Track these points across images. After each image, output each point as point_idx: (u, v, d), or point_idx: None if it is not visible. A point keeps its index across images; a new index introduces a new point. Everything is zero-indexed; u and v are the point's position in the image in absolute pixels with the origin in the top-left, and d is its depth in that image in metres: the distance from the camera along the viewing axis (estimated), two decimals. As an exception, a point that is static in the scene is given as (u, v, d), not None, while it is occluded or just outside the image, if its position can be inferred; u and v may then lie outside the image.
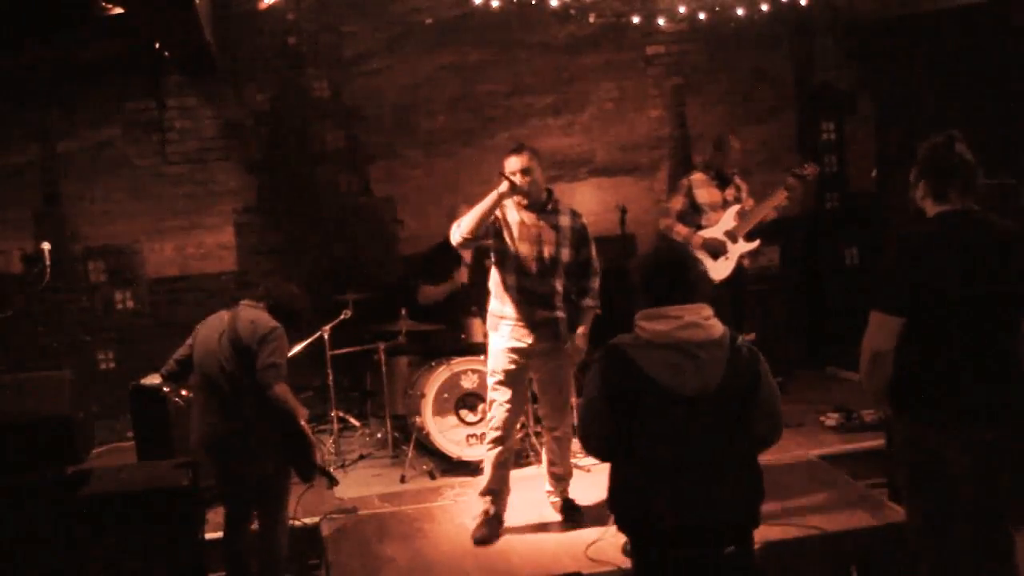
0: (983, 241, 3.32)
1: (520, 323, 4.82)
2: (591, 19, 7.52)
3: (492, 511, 4.94)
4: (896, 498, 4.79)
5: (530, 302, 4.81)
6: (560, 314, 4.88)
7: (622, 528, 3.21)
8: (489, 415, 4.98)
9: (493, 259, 4.88)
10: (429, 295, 6.63)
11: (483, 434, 5.86)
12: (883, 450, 5.39)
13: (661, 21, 7.48)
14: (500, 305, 4.89)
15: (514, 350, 4.84)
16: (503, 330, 4.87)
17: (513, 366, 4.85)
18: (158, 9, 5.45)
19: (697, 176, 6.42)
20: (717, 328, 3.06)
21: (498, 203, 4.71)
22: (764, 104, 7.94)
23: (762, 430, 3.07)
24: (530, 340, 4.82)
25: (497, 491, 4.95)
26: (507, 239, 4.81)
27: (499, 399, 4.91)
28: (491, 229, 4.79)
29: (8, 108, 6.99)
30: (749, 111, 7.90)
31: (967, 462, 3.30)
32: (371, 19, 7.37)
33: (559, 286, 4.87)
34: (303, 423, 4.45)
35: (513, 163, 4.74)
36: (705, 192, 6.35)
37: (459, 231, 4.75)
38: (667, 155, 7.88)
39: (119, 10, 6.01)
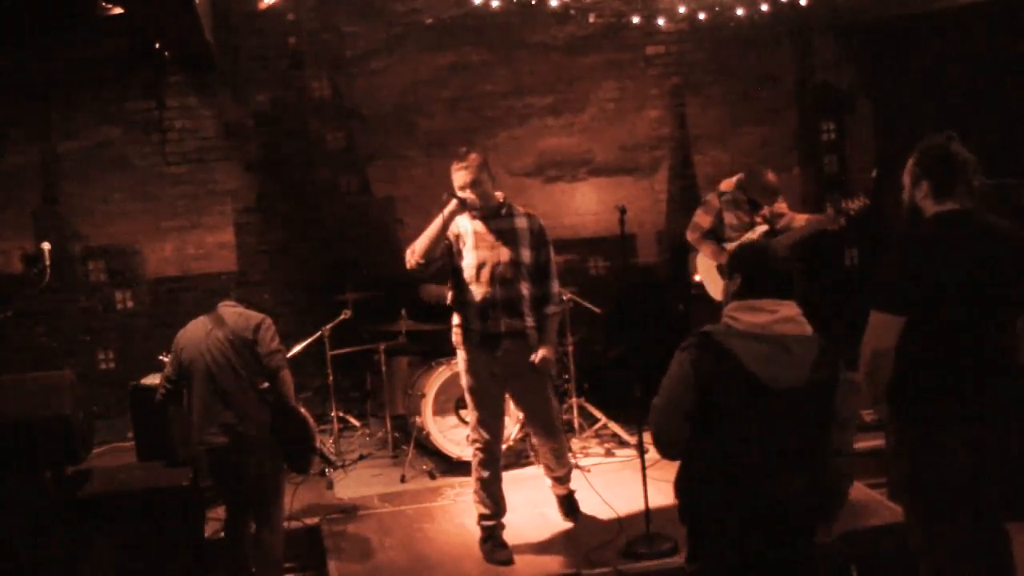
0: (982, 241, 3.32)
1: (488, 336, 4.61)
2: (591, 19, 7.52)
3: (499, 531, 4.76)
4: (896, 498, 4.79)
5: (496, 313, 4.58)
6: (529, 322, 4.65)
7: (687, 519, 3.17)
8: (472, 437, 4.78)
9: (452, 274, 4.68)
10: (433, 293, 6.61)
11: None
12: (883, 450, 5.37)
13: (661, 21, 7.48)
14: (465, 320, 4.66)
15: (485, 366, 4.64)
16: (471, 342, 4.66)
17: (487, 383, 4.67)
18: (158, 9, 5.46)
19: (727, 197, 6.17)
20: (807, 325, 3.08)
21: (450, 222, 4.53)
22: (764, 104, 7.94)
23: (837, 432, 3.07)
24: (499, 353, 4.61)
25: (499, 511, 4.76)
26: (464, 252, 4.60)
27: (477, 419, 4.70)
28: (447, 247, 4.61)
29: (8, 108, 6.99)
30: (749, 111, 7.90)
31: (965, 461, 3.30)
32: (371, 19, 7.37)
33: (524, 291, 4.63)
34: (303, 410, 4.51)
35: (461, 177, 4.52)
36: (733, 214, 6.14)
37: (413, 256, 4.54)
38: (667, 155, 7.87)
39: (119, 10, 6.01)
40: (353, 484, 5.86)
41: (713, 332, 3.05)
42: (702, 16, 7.34)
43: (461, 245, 4.62)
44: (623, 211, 6.25)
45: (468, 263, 4.60)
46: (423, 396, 5.86)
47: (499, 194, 4.69)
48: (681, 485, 3.14)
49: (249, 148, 7.35)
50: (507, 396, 4.93)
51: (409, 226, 7.52)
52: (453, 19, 7.40)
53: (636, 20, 7.45)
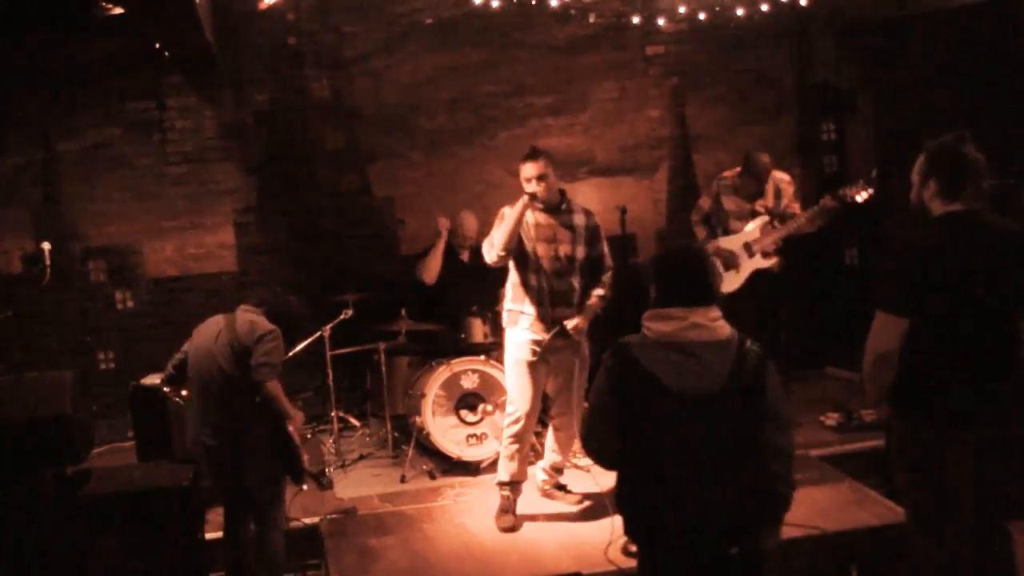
0: (988, 242, 3.31)
1: (540, 320, 4.91)
2: (591, 19, 7.51)
3: (512, 499, 5.06)
4: (896, 498, 4.79)
5: (550, 301, 4.91)
6: (576, 312, 4.97)
7: (629, 532, 3.19)
8: (509, 410, 5.05)
9: (512, 261, 4.96)
10: (432, 267, 6.61)
11: (482, 434, 5.89)
12: (883, 450, 5.38)
13: (661, 21, 7.48)
14: (519, 304, 4.98)
15: (535, 342, 4.93)
16: (523, 323, 4.95)
17: (533, 357, 4.93)
18: (158, 9, 5.45)
19: (726, 182, 6.25)
20: (724, 330, 3.04)
21: (523, 215, 4.83)
22: (764, 104, 7.94)
23: (769, 436, 3.01)
24: (547, 337, 4.91)
25: (518, 482, 5.07)
26: (524, 241, 4.90)
27: (519, 390, 4.98)
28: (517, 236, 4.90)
29: (8, 108, 6.99)
30: (749, 111, 7.90)
31: (968, 462, 3.30)
32: (371, 19, 7.37)
33: (577, 284, 4.96)
34: (291, 428, 4.48)
35: (529, 170, 4.84)
36: (732, 200, 6.20)
37: (493, 249, 4.86)
38: (667, 155, 7.88)
39: (119, 10, 6.02)
40: (353, 484, 5.86)
41: (627, 343, 3.05)
42: (702, 16, 7.33)
43: (523, 235, 4.92)
44: (623, 211, 6.25)
45: (527, 253, 4.91)
46: (423, 396, 5.86)
47: (560, 188, 5.00)
48: (618, 499, 3.13)
49: (249, 148, 7.35)
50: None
51: (409, 226, 7.53)
52: (453, 19, 7.40)
53: (636, 20, 7.44)
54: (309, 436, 6.63)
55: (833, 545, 4.58)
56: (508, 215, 4.85)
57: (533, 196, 4.82)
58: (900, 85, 7.50)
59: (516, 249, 4.91)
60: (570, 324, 4.92)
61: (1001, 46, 6.62)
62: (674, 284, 3.08)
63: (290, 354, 4.61)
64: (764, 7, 7.12)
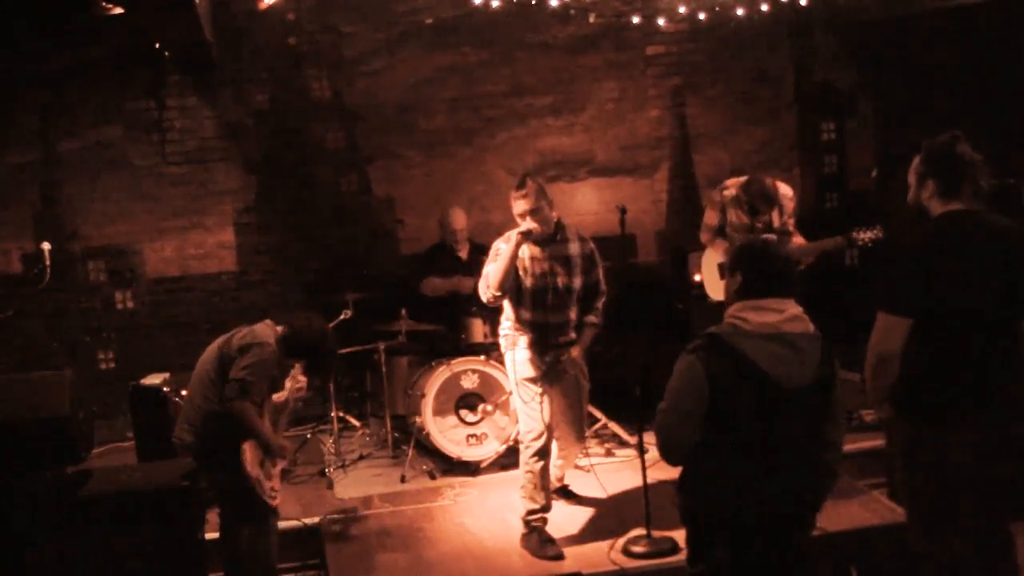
0: (989, 242, 3.31)
1: (536, 349, 4.80)
2: (591, 19, 7.52)
3: (544, 525, 4.80)
4: (896, 498, 4.79)
5: (546, 333, 4.80)
6: (574, 336, 4.88)
7: (691, 521, 3.19)
8: (523, 430, 4.83)
9: (507, 294, 4.82)
10: (436, 287, 6.59)
11: (482, 434, 5.88)
12: (883, 450, 5.38)
13: (661, 21, 7.48)
14: (516, 334, 4.84)
15: (535, 366, 4.80)
16: (521, 344, 4.82)
17: (537, 372, 4.79)
18: (158, 9, 5.45)
19: (732, 194, 5.92)
20: (811, 323, 3.12)
21: (517, 252, 4.68)
22: (764, 104, 7.94)
23: (830, 426, 3.16)
24: (548, 360, 4.80)
25: (548, 505, 4.81)
26: (520, 274, 4.75)
27: (528, 406, 4.78)
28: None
29: (8, 108, 6.99)
30: (749, 111, 7.90)
31: (969, 462, 3.30)
32: (371, 19, 7.37)
33: (573, 315, 4.86)
34: (245, 458, 4.31)
35: (521, 205, 4.67)
36: (734, 214, 5.94)
37: (490, 289, 4.73)
38: (667, 155, 7.88)
39: (119, 10, 6.01)
40: (353, 484, 5.86)
41: (721, 334, 3.05)
42: (702, 16, 7.34)
43: (518, 269, 4.76)
44: (623, 211, 6.21)
45: (524, 286, 4.76)
46: (423, 396, 5.86)
47: (554, 214, 4.81)
48: (688, 487, 3.14)
49: (249, 148, 7.35)
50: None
51: (409, 226, 7.54)
52: (453, 19, 7.40)
53: (636, 20, 7.45)
54: (309, 436, 6.64)
55: (833, 545, 4.57)
56: (503, 252, 4.69)
57: (528, 233, 4.65)
58: (900, 85, 7.50)
59: (512, 283, 4.76)
60: (566, 355, 4.81)
61: (1001, 46, 6.62)
62: (764, 275, 3.11)
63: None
64: (764, 7, 7.12)
